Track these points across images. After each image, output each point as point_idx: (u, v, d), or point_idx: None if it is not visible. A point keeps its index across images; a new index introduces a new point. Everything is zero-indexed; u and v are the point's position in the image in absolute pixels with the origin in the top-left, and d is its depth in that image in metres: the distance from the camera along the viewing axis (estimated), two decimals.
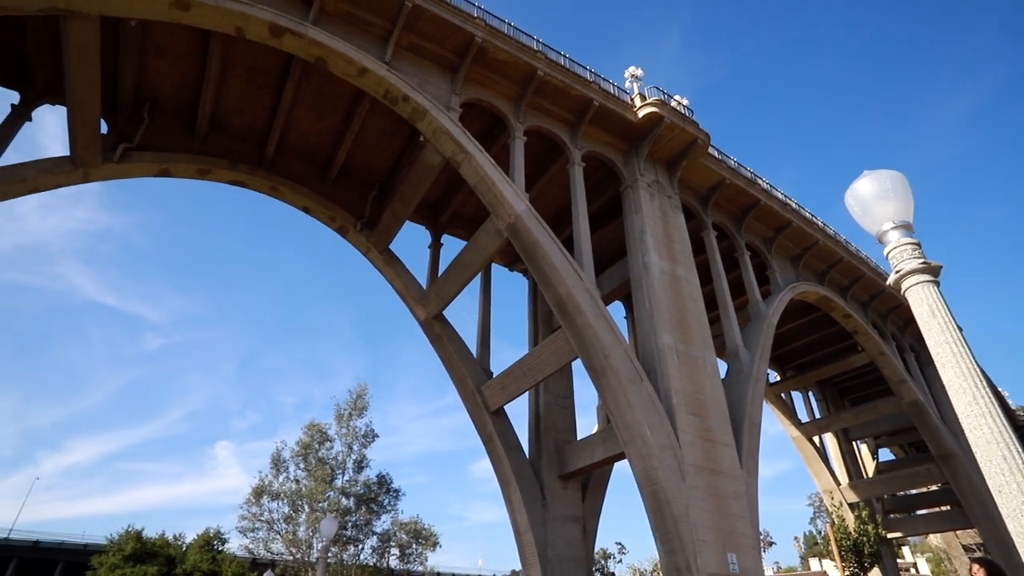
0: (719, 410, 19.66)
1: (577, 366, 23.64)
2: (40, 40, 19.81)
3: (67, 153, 20.17)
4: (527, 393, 25.60)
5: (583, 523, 23.74)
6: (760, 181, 29.29)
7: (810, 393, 46.82)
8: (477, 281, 27.52)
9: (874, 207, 4.53)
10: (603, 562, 79.35)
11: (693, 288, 22.36)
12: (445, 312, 25.29)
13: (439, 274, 25.54)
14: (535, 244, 19.39)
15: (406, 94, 19.22)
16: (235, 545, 39.21)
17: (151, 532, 40.39)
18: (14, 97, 20.84)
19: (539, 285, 20.90)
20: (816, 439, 45.20)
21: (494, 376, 24.18)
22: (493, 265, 29.22)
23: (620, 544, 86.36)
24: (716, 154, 27.16)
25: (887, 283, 4.57)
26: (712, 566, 16.08)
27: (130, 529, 39.47)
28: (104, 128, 21.05)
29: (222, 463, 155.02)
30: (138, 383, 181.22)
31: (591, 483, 25.00)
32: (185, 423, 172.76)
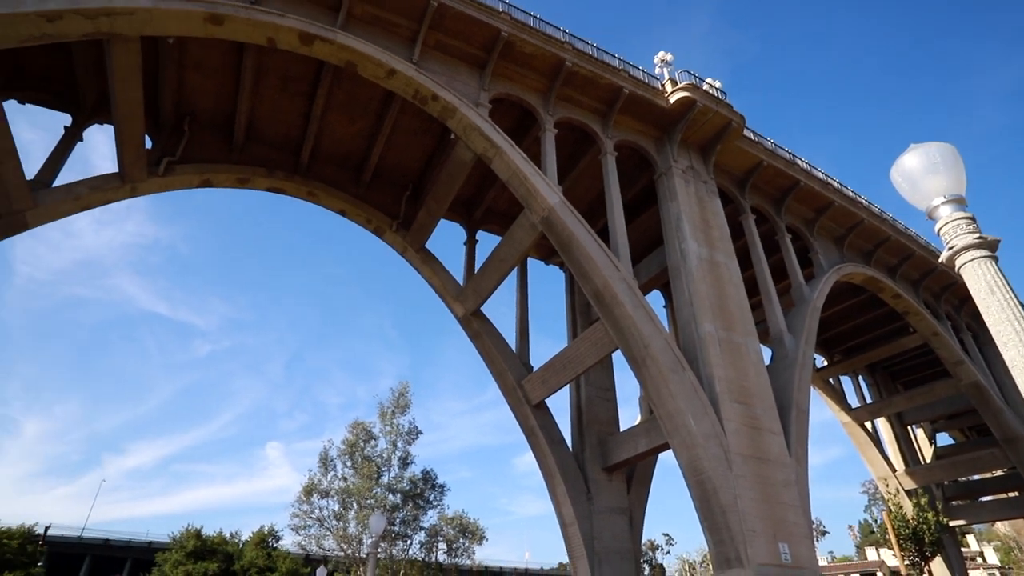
0: (764, 397, 19.24)
1: (618, 357, 23.50)
2: (86, 64, 20.71)
3: (116, 170, 21.06)
4: (568, 386, 25.55)
5: (629, 515, 23.60)
6: (799, 161, 28.45)
7: (860, 377, 45.29)
8: (514, 276, 27.57)
9: (923, 182, 4.35)
10: (651, 554, 78.75)
11: (733, 274, 21.90)
12: (483, 308, 25.44)
13: (475, 270, 25.69)
14: (570, 236, 19.30)
15: (435, 93, 19.34)
16: (288, 542, 40.54)
17: (209, 531, 42.01)
18: (66, 119, 21.93)
19: (576, 277, 20.82)
20: (868, 424, 43.76)
21: (534, 370, 24.21)
22: (529, 259, 29.24)
23: (668, 535, 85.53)
24: (752, 136, 26.49)
25: (940, 260, 4.39)
26: (763, 556, 15.78)
27: (190, 528, 41.15)
28: (148, 144, 21.88)
29: (272, 463, 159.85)
30: (191, 388, 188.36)
31: (636, 474, 24.83)
32: (236, 425, 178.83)
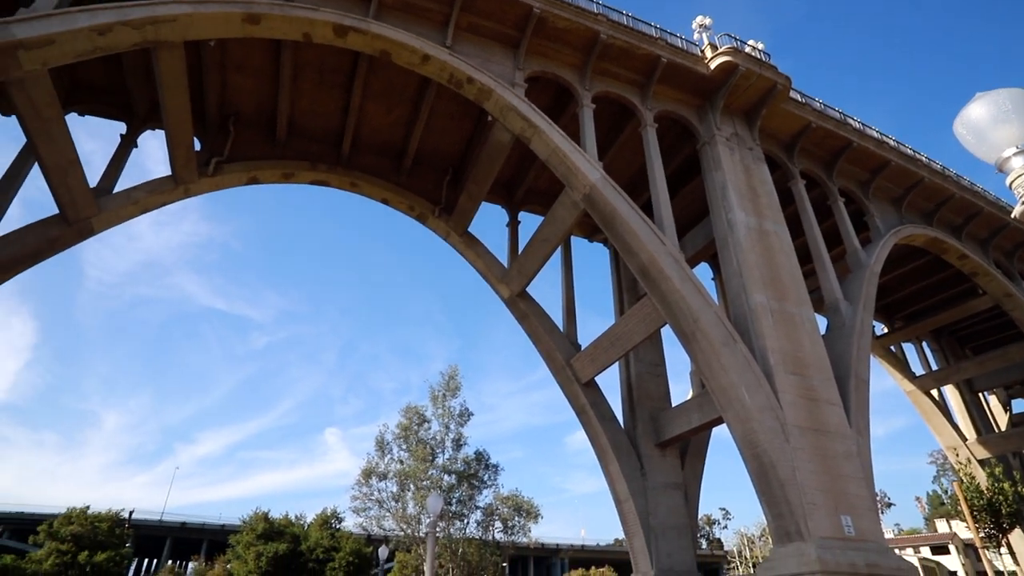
0: (821, 368, 18.68)
1: (667, 332, 23.22)
2: (137, 74, 21.60)
3: (169, 173, 21.94)
4: (618, 363, 25.42)
5: (684, 490, 23.46)
6: (850, 121, 27.15)
7: (924, 344, 43.30)
8: (558, 255, 27.48)
9: (991, 132, 4.08)
10: (708, 528, 78.30)
11: (783, 242, 21.21)
12: (528, 288, 25.50)
13: (519, 252, 25.71)
14: (613, 212, 19.06)
15: (470, 76, 19.28)
16: (350, 523, 42.03)
17: (275, 513, 43.99)
18: (122, 128, 22.97)
19: (621, 253, 20.58)
20: (934, 392, 41.91)
21: (582, 348, 24.18)
22: (573, 237, 29.05)
23: (725, 510, 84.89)
24: (799, 98, 25.41)
25: (1012, 216, 4.14)
26: (825, 529, 15.46)
27: (258, 511, 43.17)
28: (197, 146, 22.67)
29: (331, 448, 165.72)
30: (251, 379, 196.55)
31: (690, 449, 24.62)
32: (295, 413, 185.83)
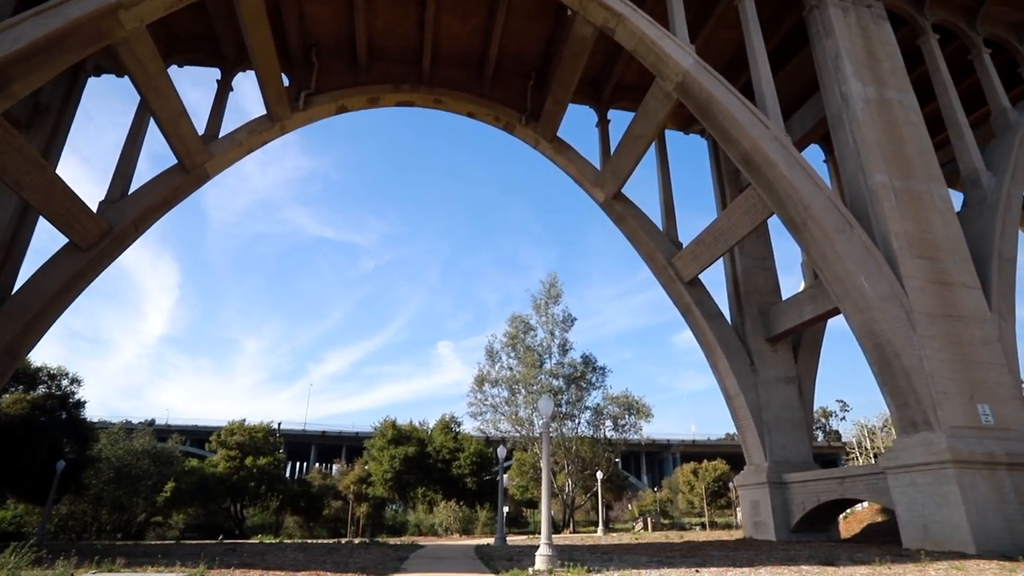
0: (955, 249, 16.93)
1: (774, 223, 21.94)
2: (221, 18, 22.31)
3: (264, 112, 22.93)
4: (722, 259, 24.53)
5: (798, 383, 22.92)
6: None
7: None
8: (652, 152, 26.22)
9: None
10: (824, 421, 76.65)
11: (910, 111, 18.79)
12: (624, 189, 24.78)
13: (611, 152, 24.83)
14: (709, 99, 17.72)
15: None
16: (468, 427, 45.30)
17: (401, 421, 48.21)
18: (216, 73, 24.12)
19: (720, 143, 19.30)
20: None
21: (684, 247, 23.49)
22: (667, 131, 27.51)
23: (842, 402, 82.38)
24: None
25: None
26: (956, 418, 14.62)
27: (386, 419, 47.50)
28: (286, 82, 23.38)
29: (445, 359, 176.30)
30: (365, 300, 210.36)
31: (803, 342, 23.76)
32: (408, 329, 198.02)
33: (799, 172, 16.84)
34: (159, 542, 27.17)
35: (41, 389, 29.18)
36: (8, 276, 18.76)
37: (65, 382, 30.03)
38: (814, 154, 28.68)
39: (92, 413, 35.64)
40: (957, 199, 20.46)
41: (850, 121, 18.14)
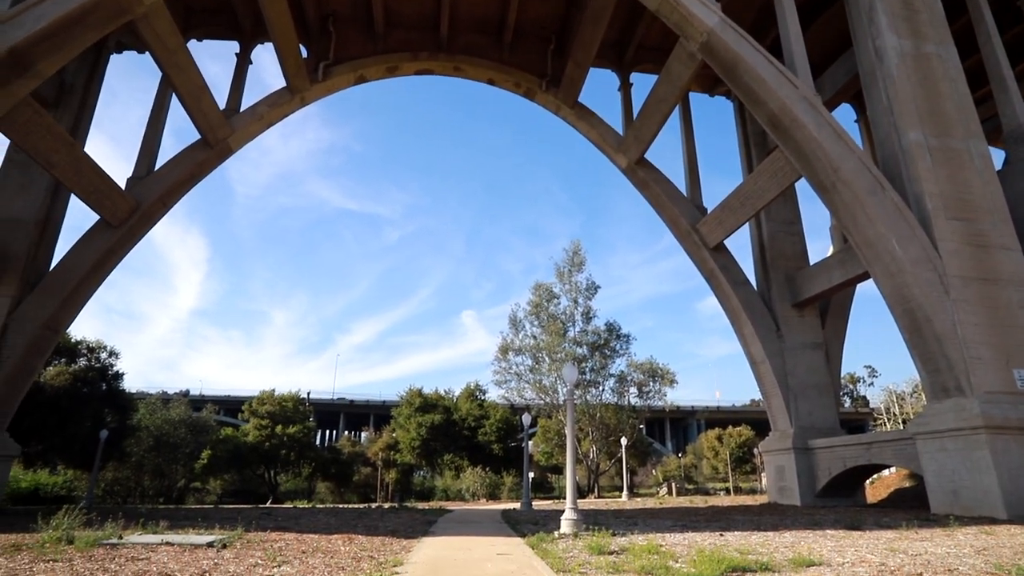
0: (994, 209, 16.33)
1: (802, 187, 21.41)
2: None
3: (284, 85, 22.88)
4: (748, 224, 24.08)
5: (825, 349, 22.65)
6: None
7: None
8: (676, 116, 25.62)
9: None
10: (852, 386, 75.78)
11: (949, 65, 17.94)
12: (647, 155, 24.34)
13: (634, 117, 24.33)
14: (735, 59, 17.15)
15: None
16: (493, 395, 45.85)
17: (426, 389, 48.98)
18: (235, 47, 24.04)
19: (746, 104, 18.76)
20: None
21: (708, 212, 23.10)
22: (691, 93, 26.79)
23: (870, 367, 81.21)
24: None
25: None
26: (991, 384, 14.33)
27: (412, 388, 48.32)
28: (304, 54, 23.21)
29: (469, 329, 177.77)
30: (389, 271, 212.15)
31: (831, 308, 23.39)
32: (433, 299, 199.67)
33: (829, 133, 16.33)
34: (198, 506, 28.31)
35: (81, 362, 30.23)
36: (44, 254, 19.30)
37: (104, 355, 31.05)
38: (845, 114, 27.82)
39: (130, 384, 37.04)
40: (999, 157, 19.67)
41: (884, 77, 17.43)
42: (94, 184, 18.19)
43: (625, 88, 26.26)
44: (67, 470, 33.03)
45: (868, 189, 15.74)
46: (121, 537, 9.34)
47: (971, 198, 16.19)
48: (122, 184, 19.72)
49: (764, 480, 32.24)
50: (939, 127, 16.80)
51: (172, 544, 8.76)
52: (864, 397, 74.50)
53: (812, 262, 23.18)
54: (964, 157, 16.63)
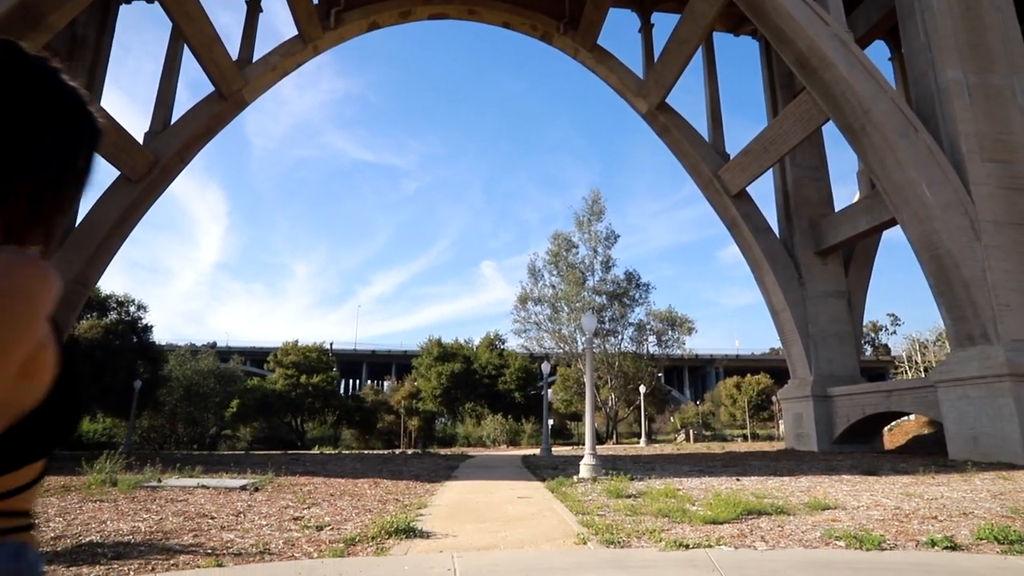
0: None
1: (829, 130, 20.70)
2: None
3: (295, 33, 22.39)
4: (772, 170, 23.48)
5: (848, 297, 22.37)
6: None
7: None
8: (699, 58, 24.66)
9: None
10: (873, 335, 75.12)
11: None
12: (668, 100, 23.62)
13: (655, 59, 23.49)
14: None
15: None
16: (513, 344, 46.31)
17: (446, 339, 49.65)
18: None
19: (773, 44, 17.97)
20: None
21: (731, 158, 22.53)
22: (715, 33, 25.68)
23: (893, 315, 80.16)
24: None
25: None
26: (1019, 331, 14.09)
27: (432, 338, 49.02)
28: (316, 0, 22.60)
29: (489, 279, 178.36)
30: (408, 222, 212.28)
31: (855, 255, 22.96)
32: (452, 250, 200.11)
33: (860, 72, 15.63)
34: (230, 452, 29.50)
35: (112, 315, 31.13)
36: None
37: (132, 308, 31.90)
38: (878, 52, 26.48)
39: (159, 337, 37.98)
40: None
41: (922, 10, 16.49)
42: (111, 139, 18.24)
43: (646, 29, 25.26)
44: (106, 418, 34.52)
45: (899, 131, 15.16)
46: (160, 480, 9.81)
47: (1010, 138, 15.53)
48: (139, 139, 19.75)
49: (781, 427, 32.55)
50: (980, 62, 15.96)
51: (207, 487, 9.19)
52: (886, 345, 73.95)
53: (837, 208, 22.65)
54: (1006, 94, 15.86)
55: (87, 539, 5.35)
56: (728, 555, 4.62)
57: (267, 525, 6.17)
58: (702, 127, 24.08)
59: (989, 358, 13.94)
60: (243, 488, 9.15)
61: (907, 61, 17.58)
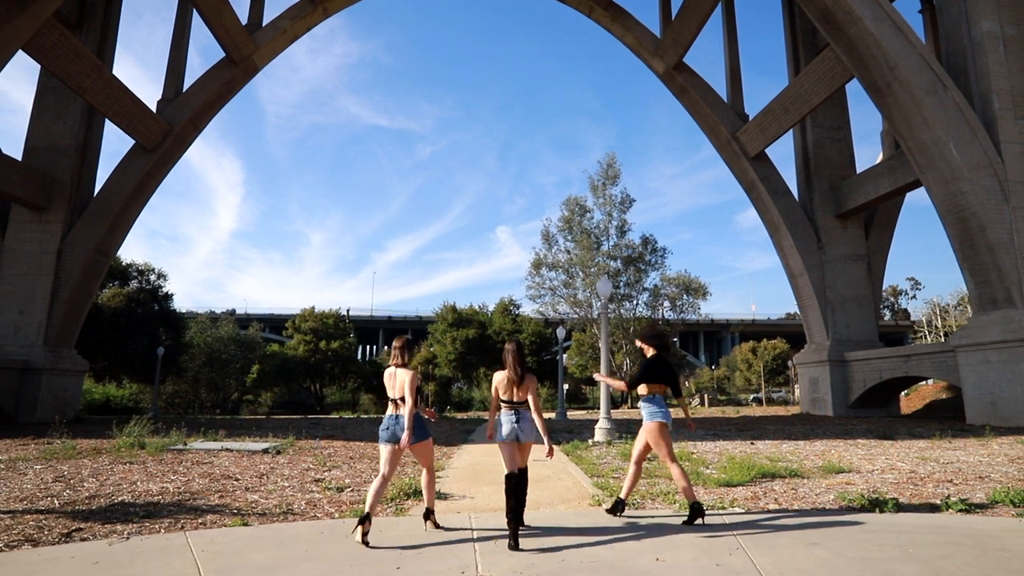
0: None
1: (852, 88, 20.03)
2: None
3: None
4: (792, 131, 22.92)
5: (867, 261, 22.03)
6: None
7: None
8: (718, 14, 23.88)
9: None
10: (893, 299, 74.14)
11: None
12: (686, 59, 22.98)
13: (672, 17, 22.78)
14: None
15: None
16: (527, 309, 46.42)
17: (461, 305, 49.91)
18: None
19: None
20: None
21: (750, 119, 21.99)
22: None
23: (913, 279, 78.94)
24: None
25: None
26: None
27: (447, 304, 49.29)
28: None
29: (504, 244, 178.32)
30: (423, 188, 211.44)
31: (876, 218, 22.52)
32: (467, 215, 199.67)
33: (888, 27, 15.03)
34: (251, 417, 30.24)
35: (133, 284, 31.67)
36: (87, 180, 19.76)
37: (153, 276, 32.41)
38: (906, 4, 25.40)
39: (179, 305, 38.89)
40: None
41: None
42: (126, 108, 18.24)
43: None
44: (132, 383, 35.46)
45: (927, 88, 14.65)
46: (186, 443, 10.11)
47: None
48: (153, 107, 19.71)
49: (797, 392, 32.51)
50: (1019, 12, 15.29)
51: (231, 450, 9.45)
52: (905, 310, 73.05)
53: (859, 170, 22.12)
54: None
55: (119, 499, 5.56)
56: (739, 516, 4.68)
57: (289, 487, 6.36)
58: (720, 88, 23.48)
59: (1012, 322, 13.72)
60: (265, 451, 9.40)
61: (938, 13, 16.87)
